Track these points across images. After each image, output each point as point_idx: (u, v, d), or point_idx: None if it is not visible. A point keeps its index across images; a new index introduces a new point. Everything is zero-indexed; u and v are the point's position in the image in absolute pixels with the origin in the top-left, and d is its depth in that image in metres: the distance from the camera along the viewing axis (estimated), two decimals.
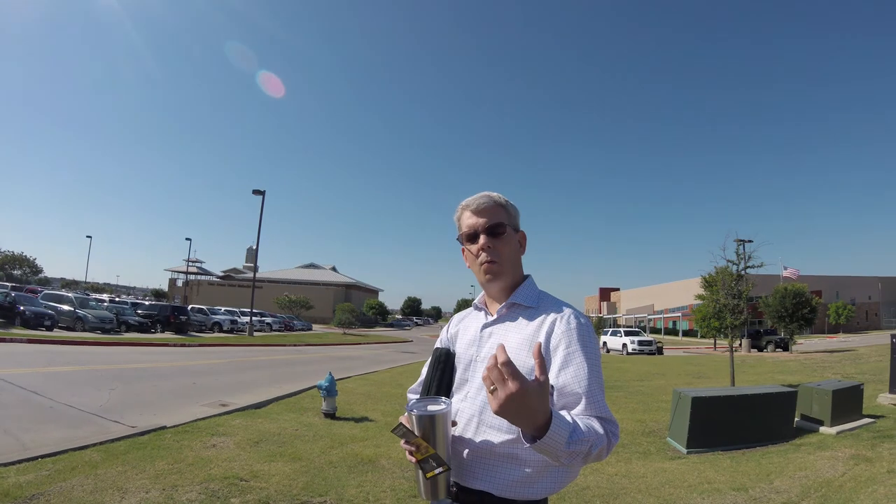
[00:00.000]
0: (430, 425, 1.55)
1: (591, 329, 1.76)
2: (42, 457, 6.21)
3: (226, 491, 5.55)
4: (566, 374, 1.64)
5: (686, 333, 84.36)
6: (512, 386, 1.27)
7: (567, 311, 1.78)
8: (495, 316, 1.93)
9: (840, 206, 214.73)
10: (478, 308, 2.06)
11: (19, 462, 5.98)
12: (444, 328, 2.23)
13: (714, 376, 21.30)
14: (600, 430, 1.51)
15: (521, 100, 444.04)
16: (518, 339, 1.78)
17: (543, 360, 1.35)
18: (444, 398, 1.60)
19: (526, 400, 1.29)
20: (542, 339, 1.72)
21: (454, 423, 1.75)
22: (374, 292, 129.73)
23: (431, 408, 1.52)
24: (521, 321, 1.83)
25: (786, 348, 41.74)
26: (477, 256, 1.91)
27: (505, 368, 1.28)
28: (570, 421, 1.42)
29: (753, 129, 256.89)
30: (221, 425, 8.67)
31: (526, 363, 1.70)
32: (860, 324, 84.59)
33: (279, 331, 54.41)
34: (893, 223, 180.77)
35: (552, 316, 1.77)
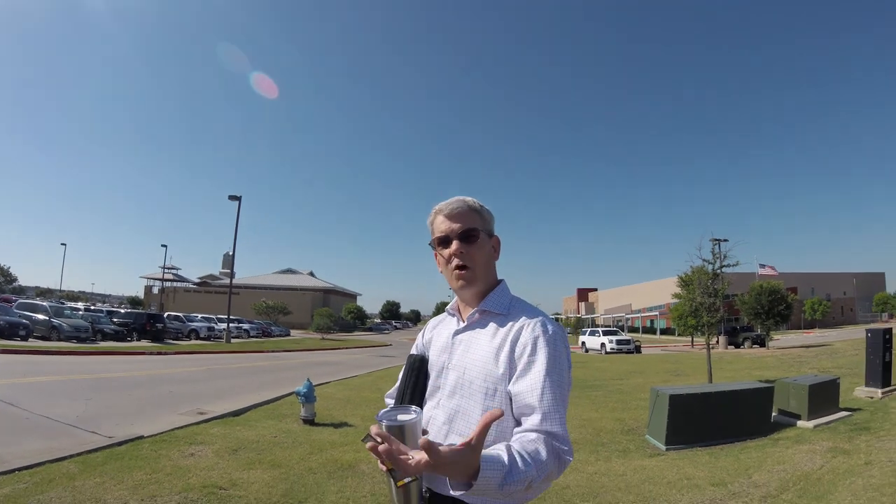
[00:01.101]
0: (400, 435, 1.50)
1: (558, 337, 1.72)
2: (19, 469, 6.10)
3: (205, 500, 5.52)
4: (523, 383, 1.63)
5: (664, 332, 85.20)
6: (422, 467, 1.25)
7: (536, 318, 1.75)
8: (466, 323, 1.91)
9: (815, 205, 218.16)
10: (451, 314, 2.06)
11: None
12: (420, 333, 2.21)
13: (692, 374, 21.45)
14: (544, 455, 1.47)
15: (496, 105, 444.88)
16: (487, 347, 1.78)
17: (486, 426, 1.30)
18: (414, 407, 1.57)
19: (446, 470, 1.28)
20: (507, 347, 1.72)
21: (426, 431, 1.68)
22: (353, 297, 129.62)
23: (401, 417, 1.50)
24: (491, 328, 1.81)
25: (762, 344, 42.17)
26: (449, 262, 1.88)
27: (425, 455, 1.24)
28: (506, 463, 1.37)
29: (727, 132, 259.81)
30: (199, 434, 8.60)
31: (493, 373, 1.71)
32: (836, 319, 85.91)
33: (257, 337, 54.00)
34: (867, 220, 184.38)
35: (520, 323, 1.75)
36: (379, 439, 1.38)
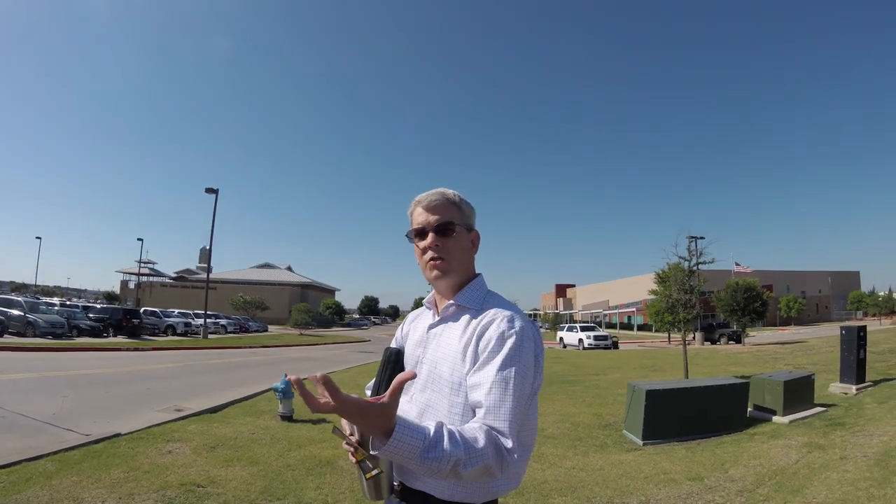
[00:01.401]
0: None
1: (525, 334, 1.65)
2: None
3: (183, 498, 5.49)
4: (476, 376, 1.60)
5: (641, 328, 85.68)
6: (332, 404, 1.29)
7: (505, 314, 1.70)
8: (440, 317, 1.90)
9: (791, 204, 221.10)
10: (428, 307, 2.04)
11: None
12: (400, 326, 2.19)
13: (668, 369, 21.66)
14: (481, 443, 1.43)
15: (474, 102, 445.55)
16: (456, 342, 1.75)
17: (399, 386, 1.34)
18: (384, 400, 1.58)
19: (354, 419, 1.33)
20: (473, 342, 1.68)
21: None
22: (331, 292, 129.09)
23: None
24: (463, 322, 1.79)
25: (738, 341, 42.65)
26: (424, 254, 1.86)
27: (326, 388, 1.28)
28: (430, 436, 1.37)
29: (705, 131, 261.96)
30: (177, 431, 8.55)
31: (459, 368, 1.69)
32: (811, 316, 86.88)
33: (234, 332, 53.84)
34: (843, 219, 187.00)
35: (489, 318, 1.70)
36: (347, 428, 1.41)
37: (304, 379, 1.40)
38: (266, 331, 61.84)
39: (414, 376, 1.37)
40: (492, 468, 1.44)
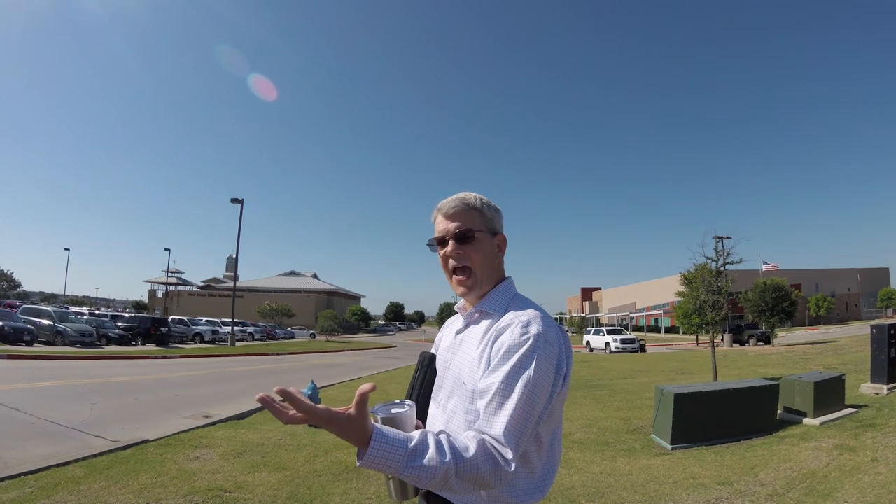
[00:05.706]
0: (393, 426, 1.50)
1: (542, 340, 1.56)
2: (25, 474, 6.13)
3: (210, 503, 5.52)
4: (483, 383, 1.57)
5: (668, 330, 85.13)
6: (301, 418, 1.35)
7: (522, 318, 1.62)
8: (464, 323, 1.87)
9: (819, 201, 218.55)
10: (459, 312, 1.98)
11: (1, 480, 5.90)
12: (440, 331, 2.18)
13: (697, 372, 21.42)
14: (472, 451, 1.39)
15: (499, 105, 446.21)
16: (474, 350, 1.72)
17: (361, 398, 1.33)
18: (409, 402, 1.53)
19: (329, 429, 1.35)
20: (488, 349, 1.64)
21: (419, 426, 1.67)
22: (357, 298, 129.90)
23: (394, 410, 1.49)
24: (483, 328, 1.74)
25: (767, 342, 42.12)
26: (446, 262, 1.83)
27: (296, 405, 1.33)
28: (413, 446, 1.34)
29: (732, 129, 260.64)
30: (204, 437, 8.61)
31: (474, 377, 1.65)
32: (840, 315, 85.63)
33: (261, 340, 54.15)
34: (871, 215, 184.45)
35: (505, 324, 1.65)
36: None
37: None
38: (292, 338, 62.15)
39: (373, 389, 1.34)
40: (485, 478, 1.40)
